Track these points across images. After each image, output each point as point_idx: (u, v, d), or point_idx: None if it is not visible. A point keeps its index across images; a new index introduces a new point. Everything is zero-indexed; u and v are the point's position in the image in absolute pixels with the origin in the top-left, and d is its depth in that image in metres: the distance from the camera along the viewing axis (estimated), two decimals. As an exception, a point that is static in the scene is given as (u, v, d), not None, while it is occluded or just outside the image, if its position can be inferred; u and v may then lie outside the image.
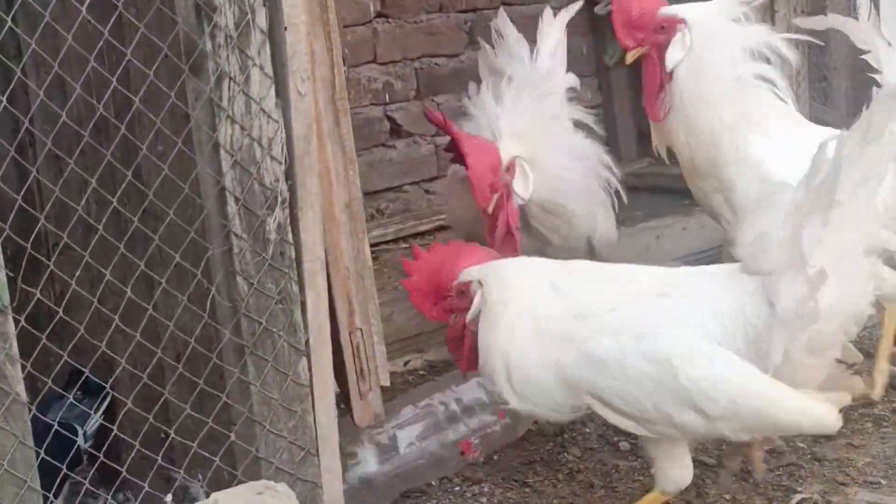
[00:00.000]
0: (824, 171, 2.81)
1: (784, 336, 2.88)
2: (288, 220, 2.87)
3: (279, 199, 2.83)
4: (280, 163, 2.84)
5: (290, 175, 2.87)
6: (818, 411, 2.91)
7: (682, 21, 3.68)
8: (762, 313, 2.92)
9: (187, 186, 2.77)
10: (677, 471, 3.13)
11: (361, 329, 3.32)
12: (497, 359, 3.02)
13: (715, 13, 3.76)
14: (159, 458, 2.77)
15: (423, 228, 5.83)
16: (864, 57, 4.16)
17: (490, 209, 3.72)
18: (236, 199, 2.78)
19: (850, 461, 3.87)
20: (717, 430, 2.94)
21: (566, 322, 3.00)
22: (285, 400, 2.90)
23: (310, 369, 2.94)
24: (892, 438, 4.01)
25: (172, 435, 2.83)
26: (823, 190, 2.80)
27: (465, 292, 3.17)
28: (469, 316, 3.13)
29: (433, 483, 3.82)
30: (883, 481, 3.73)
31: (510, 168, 3.79)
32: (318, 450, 2.97)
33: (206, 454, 2.85)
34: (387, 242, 5.75)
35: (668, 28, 3.65)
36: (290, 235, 2.87)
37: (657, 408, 2.92)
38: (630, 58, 3.72)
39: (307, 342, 2.93)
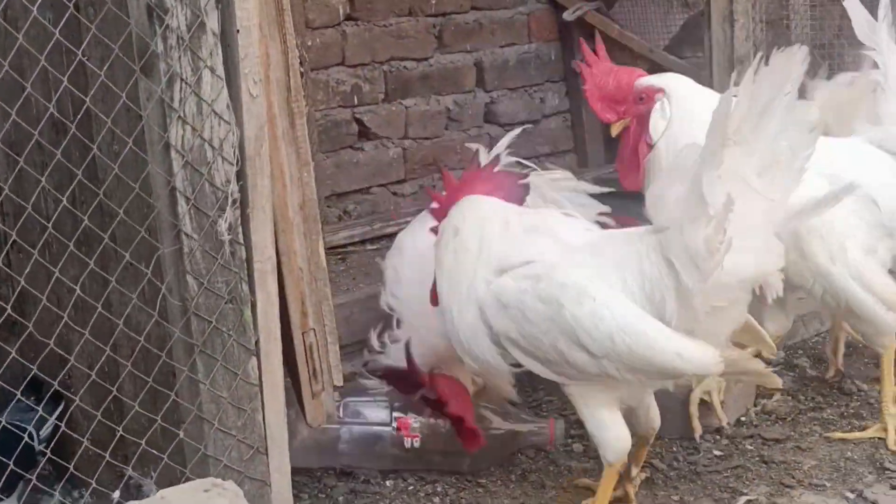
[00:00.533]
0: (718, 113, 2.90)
1: (678, 291, 2.98)
2: (239, 221, 2.90)
3: (230, 199, 2.87)
4: (231, 164, 2.87)
5: (241, 176, 2.91)
6: (696, 352, 3.00)
7: (661, 90, 3.72)
8: (659, 268, 3.02)
9: (138, 185, 2.80)
10: (611, 434, 3.24)
11: (314, 329, 3.36)
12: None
13: (689, 81, 3.84)
14: (107, 455, 2.80)
15: (389, 230, 5.85)
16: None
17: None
18: (187, 199, 2.82)
19: (797, 464, 3.94)
20: (605, 368, 3.08)
21: (491, 267, 3.23)
22: (234, 399, 2.94)
23: (259, 369, 2.98)
24: (838, 442, 4.07)
25: (120, 432, 2.85)
26: (717, 131, 2.88)
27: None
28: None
29: (387, 484, 3.86)
30: (827, 484, 3.79)
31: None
32: (266, 448, 3.00)
33: (156, 451, 2.88)
34: (353, 244, 5.77)
35: (648, 98, 3.68)
36: (240, 236, 2.91)
37: (553, 347, 3.10)
38: (615, 131, 3.75)
39: (257, 342, 2.97)
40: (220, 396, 2.91)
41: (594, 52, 3.76)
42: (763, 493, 3.72)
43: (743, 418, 4.31)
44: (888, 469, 3.85)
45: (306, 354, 3.36)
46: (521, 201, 3.44)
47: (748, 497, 3.73)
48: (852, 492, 3.74)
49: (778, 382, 3.34)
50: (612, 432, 3.23)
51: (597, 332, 3.04)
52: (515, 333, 3.18)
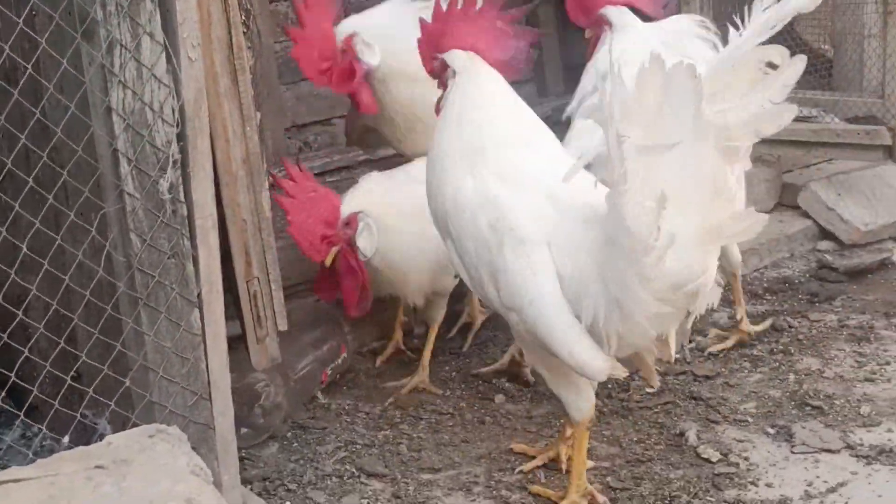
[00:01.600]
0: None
1: (604, 268, 2.98)
2: (180, 181, 3.03)
3: (171, 160, 2.99)
4: (171, 126, 2.99)
5: (181, 137, 3.02)
6: (586, 358, 3.07)
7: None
8: (596, 241, 3.01)
9: (81, 147, 2.92)
10: (572, 395, 3.32)
11: (258, 278, 3.50)
12: None
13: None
14: (56, 401, 2.96)
15: (348, 162, 5.96)
16: None
17: (328, 262, 4.08)
18: (129, 161, 2.94)
19: (725, 400, 4.14)
20: (509, 318, 3.21)
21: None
22: (178, 348, 3.09)
23: (202, 319, 3.13)
24: (765, 379, 4.28)
25: (69, 381, 3.01)
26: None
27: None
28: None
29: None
30: (750, 419, 4.00)
31: (350, 222, 4.10)
32: (210, 394, 3.17)
33: (103, 399, 3.05)
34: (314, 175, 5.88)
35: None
36: (182, 195, 3.04)
37: (475, 266, 3.23)
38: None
39: (199, 294, 3.11)
40: (165, 346, 3.07)
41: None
42: (690, 429, 3.91)
43: (677, 355, 4.49)
44: (808, 405, 4.06)
45: (250, 302, 3.51)
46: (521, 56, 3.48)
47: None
48: (773, 427, 3.94)
49: (655, 384, 3.57)
50: (572, 394, 3.32)
51: (514, 288, 3.12)
52: (457, 237, 3.29)
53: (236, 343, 3.44)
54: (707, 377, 4.34)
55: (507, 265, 3.15)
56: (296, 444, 4.01)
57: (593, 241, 3.04)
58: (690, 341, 4.62)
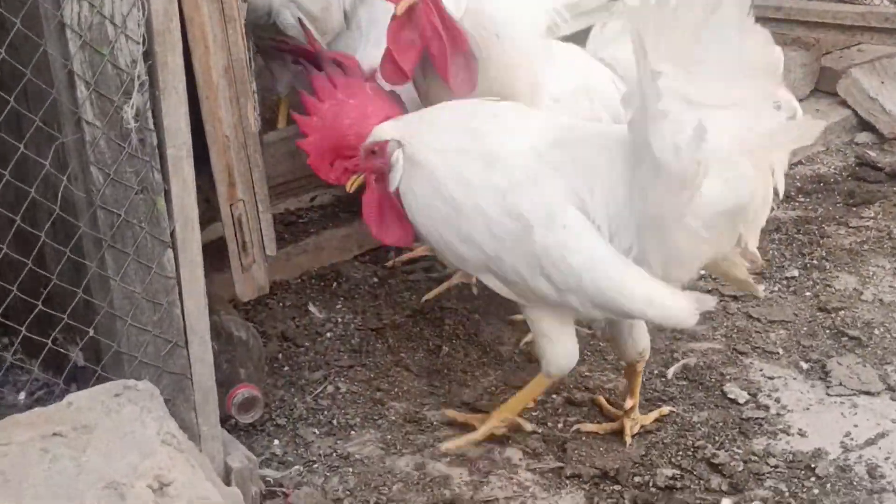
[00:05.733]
0: None
1: (653, 217, 2.67)
2: (148, 105, 2.62)
3: (137, 82, 2.58)
4: (137, 42, 2.56)
5: (149, 55, 2.60)
6: (669, 304, 2.71)
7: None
8: (626, 197, 2.73)
9: (30, 70, 2.51)
10: (558, 349, 3.02)
11: (243, 200, 3.14)
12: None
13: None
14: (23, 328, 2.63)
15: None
16: None
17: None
18: (87, 84, 2.53)
19: (753, 326, 3.83)
20: (568, 301, 2.81)
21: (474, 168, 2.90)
22: (149, 293, 2.74)
23: (176, 260, 2.77)
24: (797, 301, 3.93)
25: (22, 332, 2.68)
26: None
27: (377, 152, 3.05)
28: (393, 180, 3.04)
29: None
30: (781, 351, 3.69)
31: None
32: (186, 341, 2.83)
33: (65, 351, 2.72)
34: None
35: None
36: (150, 121, 2.63)
37: (514, 269, 2.84)
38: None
39: (173, 232, 2.75)
40: (133, 292, 2.72)
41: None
42: (712, 361, 3.60)
43: (702, 271, 4.14)
44: (845, 334, 3.72)
45: (235, 227, 3.15)
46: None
47: (684, 361, 3.61)
48: (806, 361, 3.63)
49: (759, 293, 3.23)
50: (559, 346, 3.02)
51: (564, 266, 2.75)
52: (476, 245, 2.92)
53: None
54: (734, 297, 3.99)
55: (548, 247, 2.78)
56: (286, 368, 3.70)
57: (620, 175, 2.75)
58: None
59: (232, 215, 3.13)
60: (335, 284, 4.17)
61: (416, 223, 3.02)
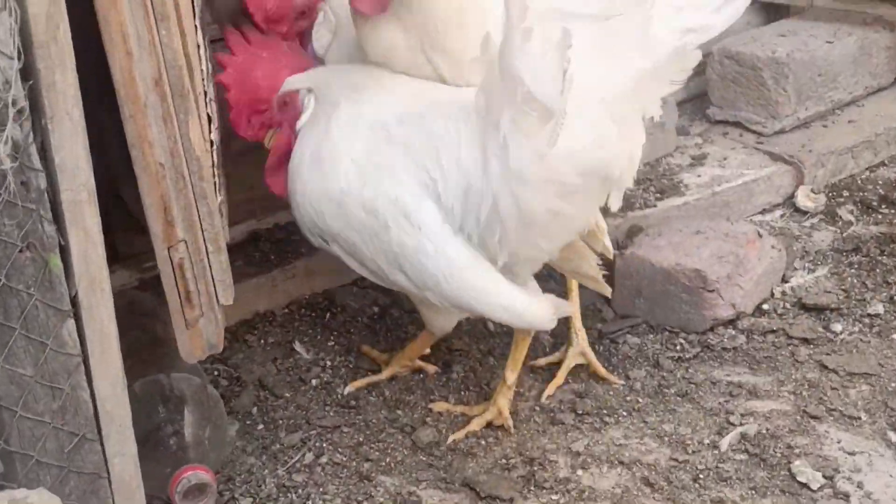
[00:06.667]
0: None
1: (505, 179, 2.46)
2: (30, 138, 1.99)
3: (11, 109, 1.95)
4: (10, 58, 1.94)
5: (29, 73, 1.97)
6: (526, 310, 2.66)
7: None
8: (478, 161, 2.51)
9: None
10: (440, 319, 3.00)
11: (185, 241, 2.51)
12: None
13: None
14: None
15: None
16: None
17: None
18: (-58, 115, 1.91)
19: (828, 378, 3.12)
20: (427, 297, 2.72)
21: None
22: (45, 376, 2.13)
23: (80, 332, 2.15)
24: (883, 347, 3.21)
25: None
26: None
27: (289, 103, 2.88)
28: (299, 126, 2.86)
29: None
30: (864, 416, 3.00)
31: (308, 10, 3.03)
32: (99, 431, 2.22)
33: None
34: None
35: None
36: (35, 158, 2.01)
37: (373, 260, 2.73)
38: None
39: (75, 297, 2.13)
40: (23, 375, 2.10)
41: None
42: (777, 427, 2.93)
43: (765, 305, 3.45)
44: (948, 398, 3.03)
45: (175, 274, 2.52)
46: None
47: (741, 429, 2.95)
48: None
49: (607, 291, 2.96)
50: (440, 319, 2.99)
51: (421, 268, 2.64)
52: (338, 235, 2.77)
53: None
54: (806, 341, 3.29)
55: (406, 247, 2.65)
56: (260, 426, 3.09)
57: (471, 139, 2.53)
58: (785, 279, 3.55)
59: (171, 260, 2.51)
60: (328, 315, 3.54)
61: (290, 168, 2.83)
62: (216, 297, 2.64)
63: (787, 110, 4.25)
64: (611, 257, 2.94)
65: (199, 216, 2.54)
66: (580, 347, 3.20)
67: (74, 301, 2.13)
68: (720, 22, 2.76)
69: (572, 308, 2.72)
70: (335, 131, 2.74)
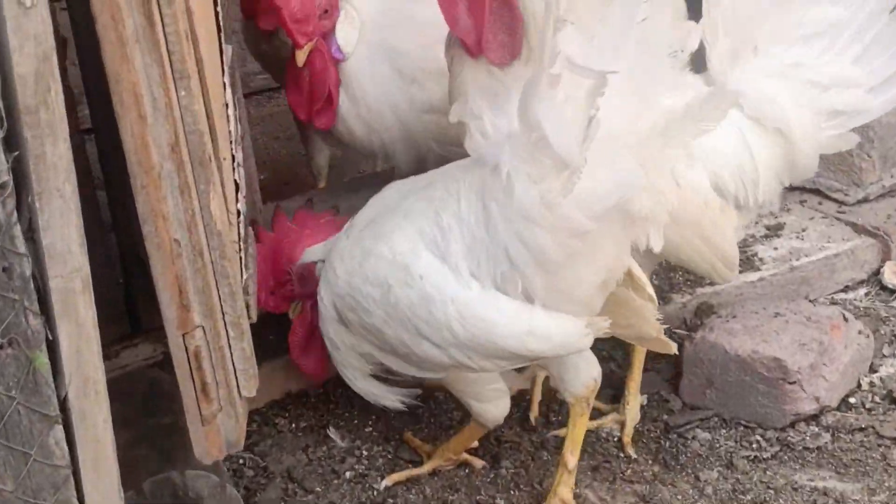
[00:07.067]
0: None
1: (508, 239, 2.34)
2: (14, 217, 1.71)
3: (-7, 185, 1.67)
4: (-9, 126, 1.66)
5: (14, 143, 1.70)
6: (552, 327, 2.39)
7: None
8: (479, 211, 2.39)
9: None
10: (489, 407, 2.74)
11: (202, 327, 2.22)
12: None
13: None
14: None
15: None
16: None
17: (301, 60, 3.05)
18: None
19: None
20: (456, 358, 2.48)
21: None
22: (27, 490, 1.84)
23: (69, 440, 1.86)
24: None
25: None
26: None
27: (307, 276, 2.78)
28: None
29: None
30: None
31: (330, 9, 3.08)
32: (91, 553, 1.93)
33: None
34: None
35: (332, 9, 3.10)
36: (18, 240, 1.73)
37: (398, 339, 2.52)
38: (302, 58, 3.09)
39: (65, 399, 1.84)
40: (1, 490, 1.81)
41: None
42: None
43: (852, 398, 3.10)
44: None
45: (190, 364, 2.24)
46: None
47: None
48: None
49: (672, 349, 2.66)
50: (490, 404, 2.73)
51: (432, 319, 2.43)
52: (358, 325, 2.59)
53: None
54: (898, 442, 2.94)
55: (413, 304, 2.46)
56: (288, 525, 2.78)
57: (474, 198, 2.41)
58: (873, 369, 3.20)
59: (185, 348, 2.22)
60: (367, 397, 3.23)
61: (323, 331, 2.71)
62: (237, 388, 2.36)
63: (872, 177, 3.90)
64: (655, 305, 2.62)
65: (219, 298, 2.27)
66: (621, 417, 2.97)
67: (63, 404, 1.84)
68: (878, 106, 2.49)
69: (606, 322, 2.43)
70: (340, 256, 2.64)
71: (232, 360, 2.33)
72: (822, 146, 2.90)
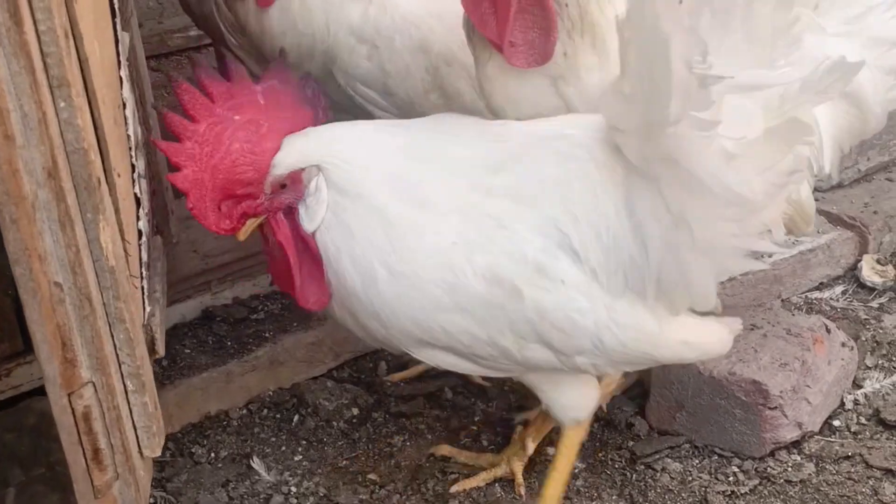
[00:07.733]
0: None
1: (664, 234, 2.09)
2: None
3: None
4: None
5: None
6: (705, 335, 2.24)
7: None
8: (624, 220, 2.11)
9: None
10: (575, 394, 2.38)
11: (93, 382, 1.84)
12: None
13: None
14: None
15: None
16: None
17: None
18: None
19: None
20: (574, 364, 2.21)
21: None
22: None
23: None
24: None
25: None
26: None
27: (288, 185, 2.10)
28: (315, 220, 2.10)
29: None
30: None
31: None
32: None
33: None
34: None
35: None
36: None
37: (492, 342, 2.15)
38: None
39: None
40: None
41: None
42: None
43: (835, 420, 2.81)
44: None
45: (78, 428, 1.86)
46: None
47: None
48: None
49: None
50: (575, 391, 2.37)
51: (574, 329, 2.13)
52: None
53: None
54: (890, 472, 2.64)
55: (546, 310, 2.11)
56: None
57: (604, 190, 2.11)
58: (857, 384, 2.90)
59: (72, 410, 1.84)
60: (296, 418, 2.89)
61: (338, 282, 2.12)
62: (139, 449, 1.98)
63: (847, 161, 3.60)
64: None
65: (114, 347, 1.89)
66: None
67: None
68: None
69: (740, 325, 2.28)
70: (398, 220, 2.09)
71: (132, 417, 1.96)
72: (891, 104, 2.62)
